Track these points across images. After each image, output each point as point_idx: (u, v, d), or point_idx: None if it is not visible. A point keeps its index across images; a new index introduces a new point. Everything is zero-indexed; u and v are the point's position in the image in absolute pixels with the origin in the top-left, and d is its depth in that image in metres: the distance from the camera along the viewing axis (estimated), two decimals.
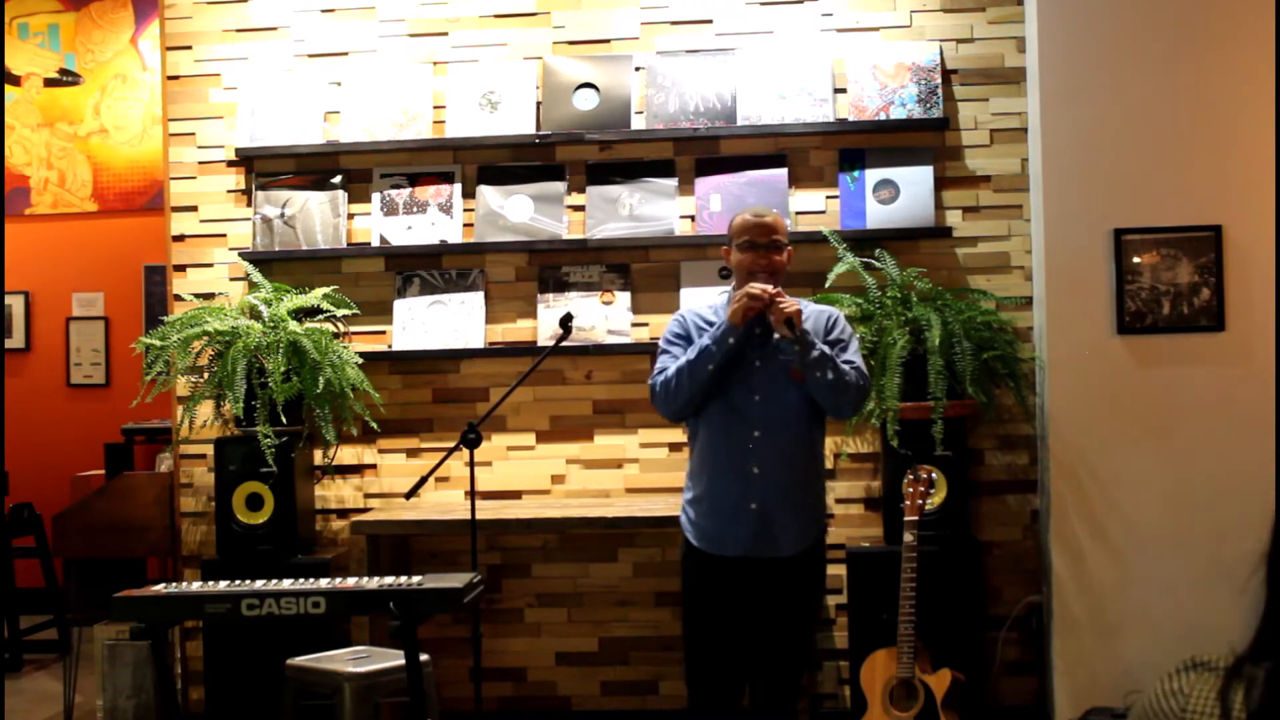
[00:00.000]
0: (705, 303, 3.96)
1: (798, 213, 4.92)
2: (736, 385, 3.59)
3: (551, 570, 5.02)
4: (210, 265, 5.16)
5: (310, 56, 5.15)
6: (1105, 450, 4.55)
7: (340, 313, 4.94)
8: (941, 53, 4.89)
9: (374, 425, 4.89)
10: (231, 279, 5.12)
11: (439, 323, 5.02)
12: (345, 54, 5.14)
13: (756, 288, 3.53)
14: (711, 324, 3.65)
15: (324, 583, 3.47)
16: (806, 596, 3.72)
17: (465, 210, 5.05)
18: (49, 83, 7.52)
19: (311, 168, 5.10)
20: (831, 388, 3.54)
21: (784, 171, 4.92)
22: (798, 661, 3.72)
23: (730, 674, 3.64)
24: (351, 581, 3.49)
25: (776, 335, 3.61)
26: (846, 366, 3.60)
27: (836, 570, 4.83)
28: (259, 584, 3.47)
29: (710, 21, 5.00)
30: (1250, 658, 1.50)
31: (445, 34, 5.10)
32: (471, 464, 4.05)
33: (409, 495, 4.16)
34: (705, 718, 3.66)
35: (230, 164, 5.15)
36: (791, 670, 3.68)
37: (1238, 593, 1.58)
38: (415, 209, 5.05)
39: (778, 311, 3.52)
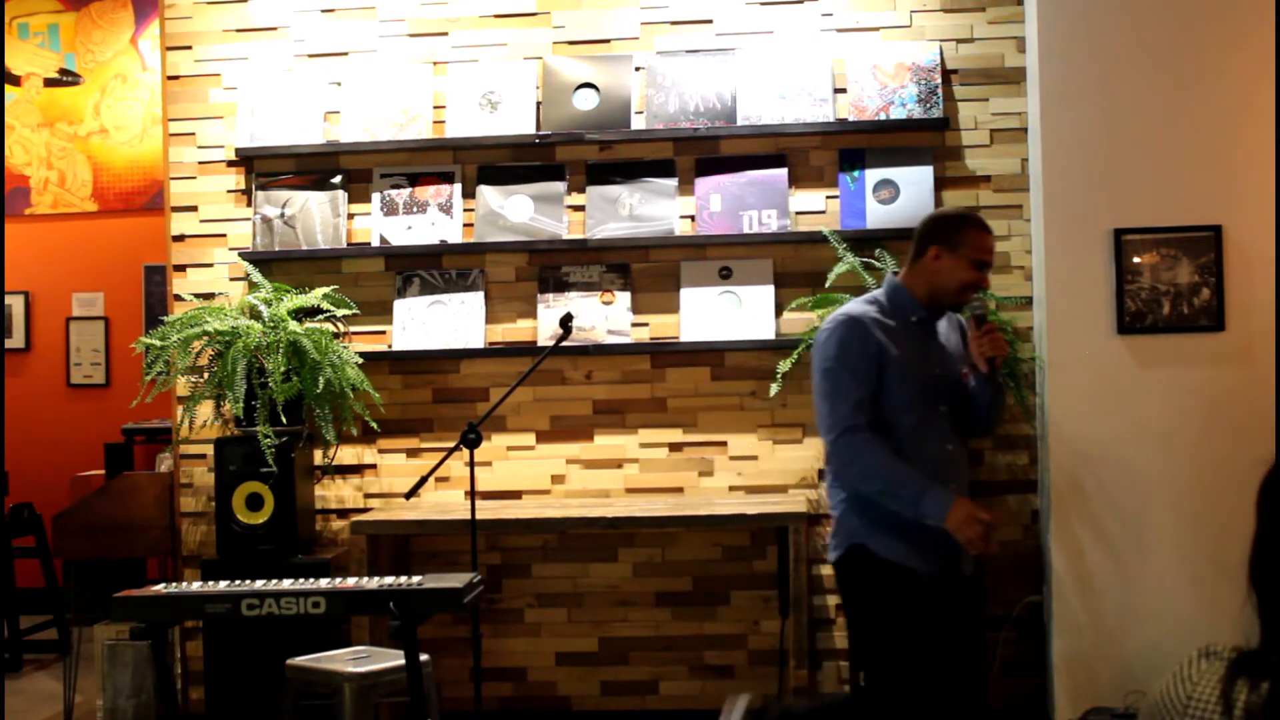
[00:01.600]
0: (863, 299, 3.47)
1: (798, 213, 4.92)
2: (925, 395, 3.32)
3: (551, 570, 5.02)
4: (210, 265, 5.16)
5: (310, 56, 5.15)
6: (1105, 450, 4.55)
7: (340, 313, 4.94)
8: (941, 53, 4.89)
9: (374, 425, 4.89)
10: (231, 279, 5.12)
11: (439, 323, 5.02)
12: (345, 54, 5.14)
13: (975, 537, 3.19)
14: (888, 328, 3.31)
15: (324, 583, 3.47)
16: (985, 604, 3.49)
17: (465, 210, 5.05)
18: (49, 83, 7.52)
19: (311, 168, 5.10)
20: (998, 417, 3.38)
21: (784, 171, 4.92)
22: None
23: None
24: (351, 581, 3.49)
25: (944, 337, 3.39)
26: None
27: None
28: (259, 584, 3.47)
29: (710, 21, 5.00)
30: (1255, 656, 1.50)
31: (445, 34, 5.10)
32: (471, 464, 4.05)
33: (409, 495, 4.16)
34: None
35: (230, 164, 5.15)
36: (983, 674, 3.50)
37: (1238, 593, 1.59)
38: (415, 209, 5.05)
39: (991, 346, 3.28)
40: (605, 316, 4.95)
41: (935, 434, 3.32)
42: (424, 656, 3.73)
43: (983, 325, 3.35)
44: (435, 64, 5.09)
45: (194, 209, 5.17)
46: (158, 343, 4.73)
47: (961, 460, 3.40)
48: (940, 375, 3.36)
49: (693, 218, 4.96)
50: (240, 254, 5.03)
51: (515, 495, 4.99)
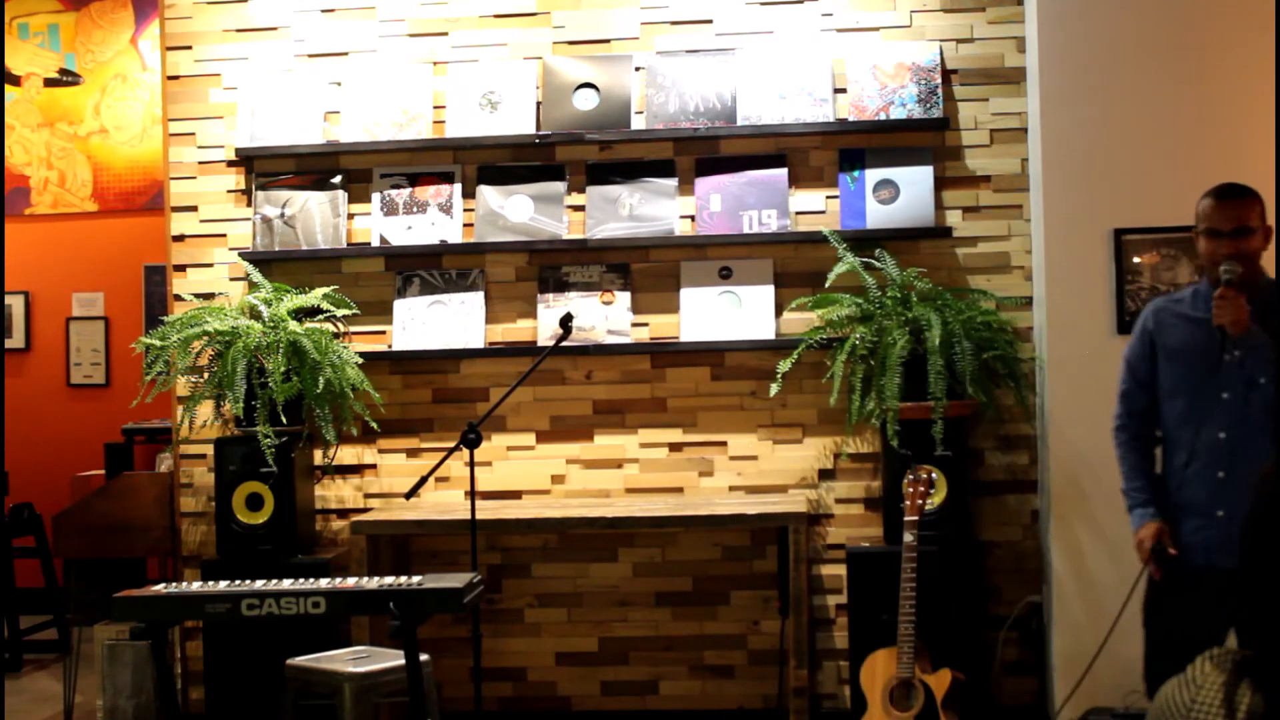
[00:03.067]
0: (1182, 290, 3.50)
1: (798, 213, 4.92)
2: (1201, 381, 3.33)
3: (551, 570, 5.02)
4: (210, 265, 5.16)
5: (310, 56, 5.15)
6: (1105, 450, 4.52)
7: (340, 313, 4.94)
8: (941, 53, 4.89)
9: (374, 425, 4.89)
10: (231, 279, 5.12)
11: (439, 323, 5.02)
12: (345, 54, 5.14)
13: (1142, 558, 3.39)
14: (1181, 315, 3.35)
15: (324, 583, 3.47)
16: None
17: (465, 210, 5.05)
18: (49, 83, 7.52)
19: (311, 168, 5.10)
20: None
21: (784, 171, 4.92)
22: None
23: None
24: (351, 581, 3.49)
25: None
26: None
27: (836, 570, 4.83)
28: (259, 584, 3.47)
29: (710, 21, 5.00)
30: (1257, 659, 1.50)
31: (445, 34, 5.10)
32: (471, 464, 4.06)
33: (409, 495, 4.17)
34: None
35: (230, 164, 5.15)
36: None
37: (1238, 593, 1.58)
38: (415, 209, 5.05)
39: (1217, 312, 3.23)
40: (605, 316, 4.95)
41: (1209, 421, 3.32)
42: (424, 656, 3.72)
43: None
44: (435, 64, 5.09)
45: (194, 209, 5.17)
46: (158, 343, 4.73)
47: (1247, 448, 3.31)
48: (1231, 361, 3.30)
49: (693, 218, 4.96)
50: (240, 254, 5.03)
51: (515, 495, 4.99)
